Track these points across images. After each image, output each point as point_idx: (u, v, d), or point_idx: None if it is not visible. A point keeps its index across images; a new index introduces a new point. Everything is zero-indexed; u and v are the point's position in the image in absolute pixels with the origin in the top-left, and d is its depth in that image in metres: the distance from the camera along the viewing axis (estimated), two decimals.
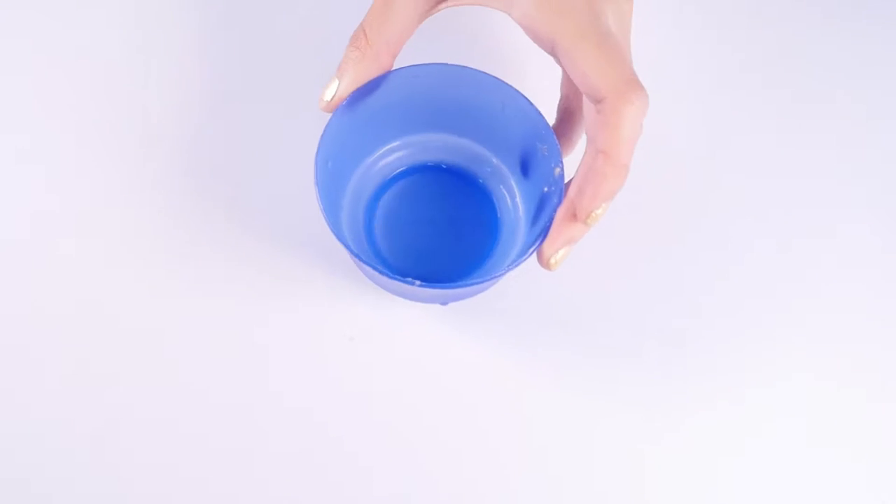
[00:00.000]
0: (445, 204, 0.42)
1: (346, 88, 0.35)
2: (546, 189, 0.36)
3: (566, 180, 0.35)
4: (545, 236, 0.34)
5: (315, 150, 0.35)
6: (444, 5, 0.36)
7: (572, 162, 0.36)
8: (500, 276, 0.35)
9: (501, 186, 0.41)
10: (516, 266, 0.34)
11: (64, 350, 0.40)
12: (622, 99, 0.32)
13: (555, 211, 0.35)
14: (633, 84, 0.32)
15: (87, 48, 0.44)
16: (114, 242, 0.42)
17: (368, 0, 0.35)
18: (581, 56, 0.32)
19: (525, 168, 0.39)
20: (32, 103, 0.44)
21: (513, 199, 0.41)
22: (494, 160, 0.41)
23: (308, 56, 0.44)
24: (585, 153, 0.34)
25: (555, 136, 0.35)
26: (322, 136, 0.35)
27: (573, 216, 0.34)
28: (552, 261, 0.34)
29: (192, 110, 0.43)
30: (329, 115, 0.35)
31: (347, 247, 0.34)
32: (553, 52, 0.34)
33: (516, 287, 0.41)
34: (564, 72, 0.36)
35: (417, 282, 0.34)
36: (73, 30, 0.45)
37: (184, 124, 0.43)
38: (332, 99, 0.35)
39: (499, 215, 0.41)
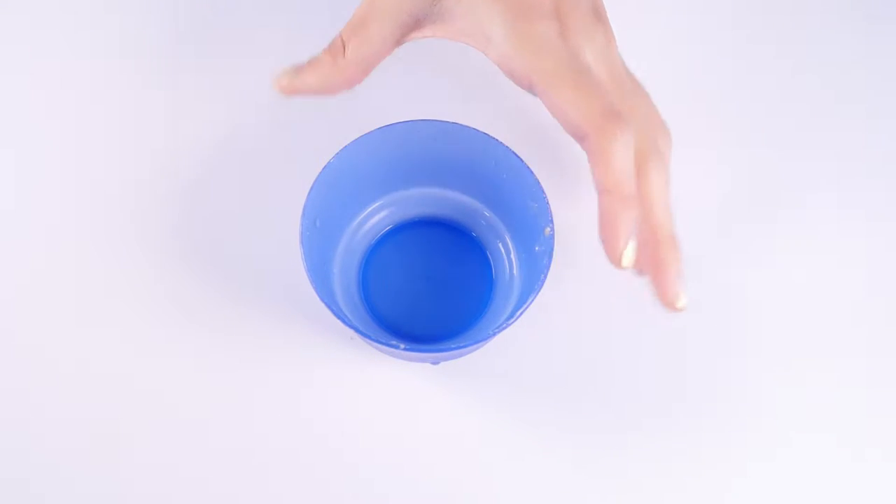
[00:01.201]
0: (440, 259, 0.41)
1: (305, 85, 0.35)
2: (537, 248, 0.36)
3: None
4: (533, 298, 0.33)
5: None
6: (419, 33, 0.35)
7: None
8: (487, 339, 0.34)
9: (497, 241, 0.40)
10: (504, 328, 0.33)
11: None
12: (604, 135, 0.31)
13: (545, 271, 0.34)
14: (611, 117, 0.31)
15: (75, 115, 0.45)
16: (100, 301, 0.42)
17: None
18: (558, 94, 0.32)
19: (518, 225, 0.38)
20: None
21: (508, 255, 0.40)
22: (487, 214, 0.40)
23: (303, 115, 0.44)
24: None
25: (545, 195, 0.35)
26: (308, 194, 0.35)
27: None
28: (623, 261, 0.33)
29: (184, 171, 0.43)
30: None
31: (330, 307, 0.33)
32: (532, 91, 0.33)
33: (512, 346, 0.40)
34: None
35: (402, 345, 0.33)
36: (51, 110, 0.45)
37: (175, 185, 0.43)
38: (285, 83, 0.35)
39: (493, 270, 0.40)
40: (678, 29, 0.46)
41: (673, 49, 0.45)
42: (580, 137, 0.32)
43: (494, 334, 0.34)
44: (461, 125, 0.36)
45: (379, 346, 0.34)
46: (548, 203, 0.35)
